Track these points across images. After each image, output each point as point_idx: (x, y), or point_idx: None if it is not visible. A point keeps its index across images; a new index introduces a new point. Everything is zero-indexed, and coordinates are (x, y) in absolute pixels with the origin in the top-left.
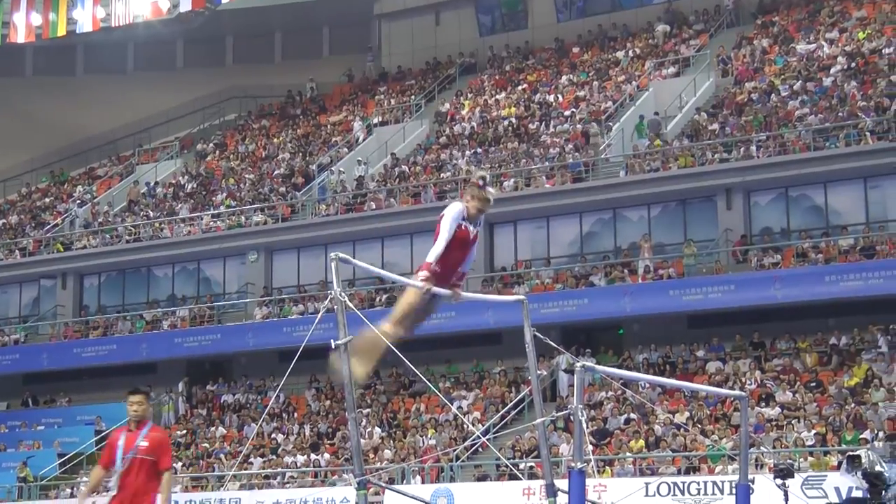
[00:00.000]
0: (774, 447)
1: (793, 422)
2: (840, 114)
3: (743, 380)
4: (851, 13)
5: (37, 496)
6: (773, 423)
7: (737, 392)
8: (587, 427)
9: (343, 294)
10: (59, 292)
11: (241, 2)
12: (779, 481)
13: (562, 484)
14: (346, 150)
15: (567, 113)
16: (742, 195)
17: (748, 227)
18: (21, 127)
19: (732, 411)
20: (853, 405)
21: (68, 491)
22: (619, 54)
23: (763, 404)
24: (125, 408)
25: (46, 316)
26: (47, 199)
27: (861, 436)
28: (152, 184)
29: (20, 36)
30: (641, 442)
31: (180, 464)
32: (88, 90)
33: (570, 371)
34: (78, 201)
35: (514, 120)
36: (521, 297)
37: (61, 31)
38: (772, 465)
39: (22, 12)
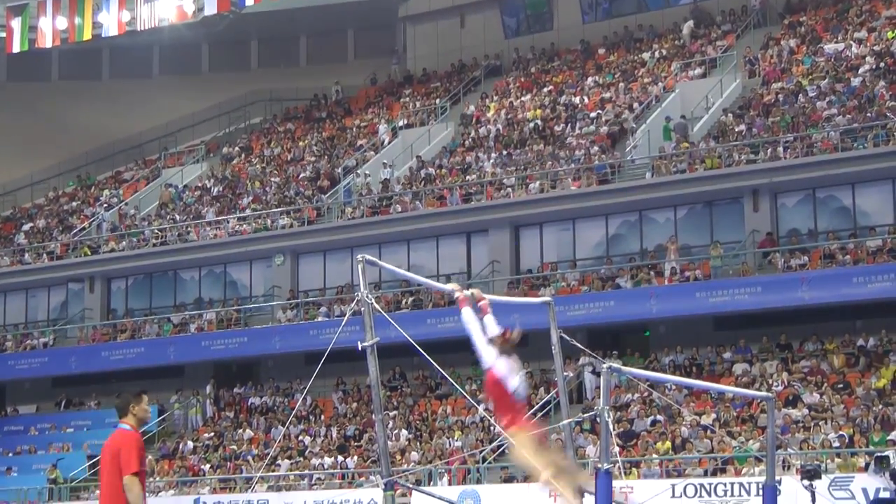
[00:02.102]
0: (801, 448)
1: (820, 423)
2: (868, 114)
3: (770, 381)
4: (880, 12)
5: (67, 498)
6: (800, 424)
7: (763, 393)
8: (613, 429)
9: (370, 296)
10: (86, 296)
11: (265, 5)
12: (806, 482)
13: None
14: (371, 152)
15: (593, 115)
16: (769, 196)
17: (775, 228)
18: (47, 131)
19: (759, 413)
20: (881, 406)
21: (97, 493)
22: (646, 56)
23: (790, 406)
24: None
25: (74, 319)
26: (74, 203)
27: (888, 437)
28: (180, 187)
29: (46, 40)
30: (668, 443)
31: (208, 465)
32: (114, 94)
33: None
34: (105, 205)
35: (539, 122)
36: (548, 299)
37: (87, 35)
38: (799, 467)
39: (48, 17)
